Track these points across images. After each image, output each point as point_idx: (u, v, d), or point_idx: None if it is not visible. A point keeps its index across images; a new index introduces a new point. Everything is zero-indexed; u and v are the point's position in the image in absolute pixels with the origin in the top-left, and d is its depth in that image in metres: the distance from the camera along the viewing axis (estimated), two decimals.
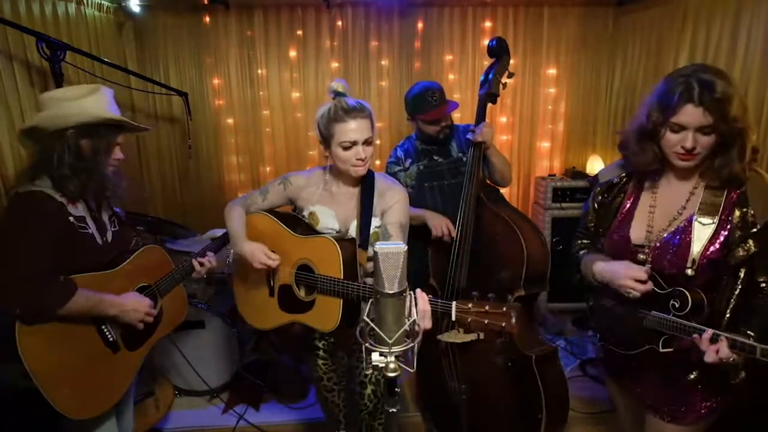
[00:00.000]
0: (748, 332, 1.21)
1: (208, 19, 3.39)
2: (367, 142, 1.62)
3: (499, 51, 2.20)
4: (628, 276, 1.34)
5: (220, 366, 2.76)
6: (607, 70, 3.63)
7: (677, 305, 1.28)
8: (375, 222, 1.70)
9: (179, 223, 2.98)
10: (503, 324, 1.25)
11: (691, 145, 1.22)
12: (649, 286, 1.33)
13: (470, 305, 1.29)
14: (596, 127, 3.75)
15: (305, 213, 1.79)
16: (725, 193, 1.27)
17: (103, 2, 3.02)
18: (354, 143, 1.60)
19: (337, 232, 1.74)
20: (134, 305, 1.62)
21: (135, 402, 2.02)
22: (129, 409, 1.86)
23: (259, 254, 1.69)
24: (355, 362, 1.90)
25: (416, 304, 1.20)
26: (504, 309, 1.26)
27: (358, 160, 1.61)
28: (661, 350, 1.34)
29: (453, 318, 1.30)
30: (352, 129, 1.58)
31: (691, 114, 1.20)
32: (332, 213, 1.75)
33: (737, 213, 1.25)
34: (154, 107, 3.49)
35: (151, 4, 3.28)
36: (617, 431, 1.81)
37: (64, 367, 1.50)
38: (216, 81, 3.53)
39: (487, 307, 1.27)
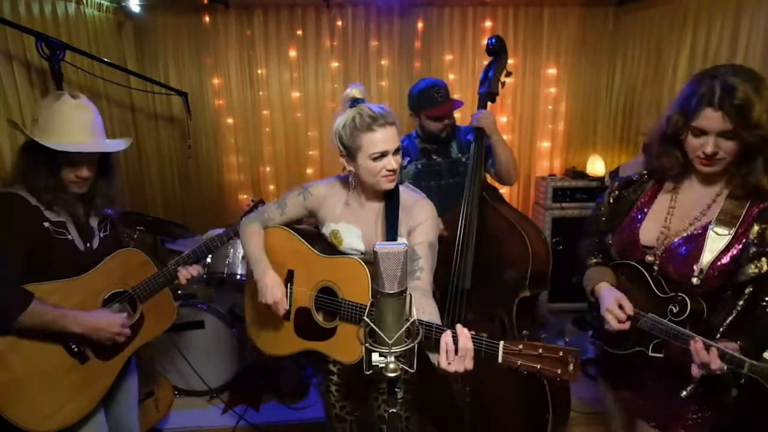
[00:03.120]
0: (739, 343, 1.17)
1: (207, 18, 3.39)
2: (397, 152, 1.47)
3: (498, 49, 2.20)
4: (611, 311, 1.34)
5: (220, 366, 2.75)
6: (607, 70, 3.63)
7: (675, 310, 1.25)
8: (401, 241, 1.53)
9: (179, 223, 2.97)
10: (558, 371, 1.09)
11: (712, 151, 1.18)
12: (626, 326, 1.33)
13: (521, 346, 1.13)
14: (596, 126, 3.75)
15: (326, 231, 1.63)
16: (747, 205, 1.22)
17: (102, 2, 3.02)
18: (384, 153, 1.44)
19: (362, 253, 1.58)
20: (105, 324, 1.52)
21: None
22: (126, 410, 1.82)
23: (275, 293, 1.56)
24: (372, 393, 1.74)
25: (456, 342, 1.14)
26: (561, 354, 1.09)
27: (388, 171, 1.46)
28: (650, 354, 1.32)
29: (500, 360, 1.14)
30: (382, 139, 1.43)
31: (710, 118, 1.16)
32: (357, 232, 1.58)
33: (756, 228, 1.20)
34: (154, 107, 3.48)
35: (151, 4, 3.28)
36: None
37: (20, 380, 1.44)
38: (216, 81, 3.52)
39: (540, 350, 1.10)
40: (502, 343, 1.15)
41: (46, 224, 1.48)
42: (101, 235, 1.66)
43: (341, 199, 1.62)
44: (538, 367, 1.11)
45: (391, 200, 1.55)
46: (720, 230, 1.22)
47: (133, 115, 3.41)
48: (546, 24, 3.53)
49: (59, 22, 2.51)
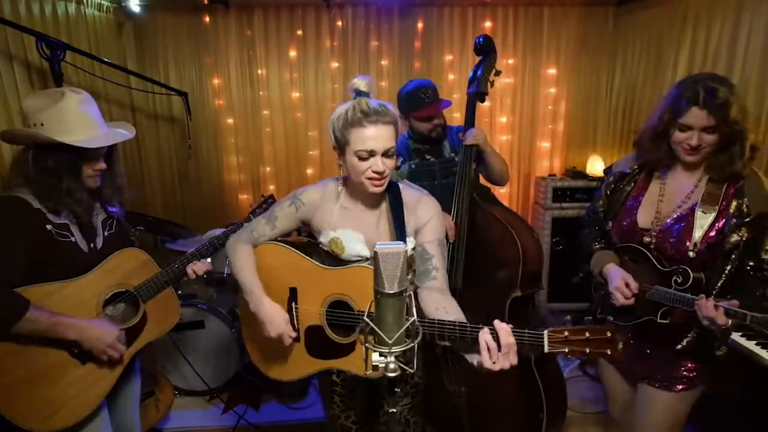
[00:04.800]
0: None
1: (208, 19, 3.40)
2: (388, 154, 1.36)
3: (486, 48, 2.21)
4: (618, 289, 1.54)
5: (220, 366, 2.76)
6: (607, 70, 3.63)
7: (679, 281, 1.45)
8: (409, 242, 1.47)
9: (179, 223, 2.97)
10: (608, 351, 1.10)
11: (696, 143, 1.41)
12: (631, 302, 1.53)
13: (566, 333, 1.11)
14: (596, 126, 3.75)
15: (324, 239, 1.50)
16: (725, 186, 1.45)
17: (103, 2, 3.02)
18: (371, 153, 1.34)
19: (367, 259, 1.47)
20: (99, 335, 1.50)
21: None
22: (129, 411, 1.82)
23: (277, 325, 1.44)
24: (378, 401, 1.66)
25: (497, 338, 1.11)
26: (608, 334, 1.10)
27: (374, 173, 1.35)
28: (658, 321, 1.50)
29: (545, 351, 1.12)
30: (371, 136, 1.32)
31: (696, 116, 1.38)
32: (358, 236, 1.46)
33: (734, 204, 1.42)
34: (154, 107, 3.49)
35: (151, 4, 3.28)
36: (613, 427, 1.90)
37: (20, 380, 1.44)
38: (216, 81, 3.53)
39: (587, 334, 1.11)
40: (546, 332, 1.12)
41: (49, 227, 1.47)
42: (105, 234, 1.65)
43: (337, 203, 1.50)
44: (587, 350, 1.11)
45: (394, 200, 1.47)
46: (705, 209, 1.45)
47: (133, 115, 3.41)
48: (546, 24, 3.53)
49: (59, 22, 2.51)
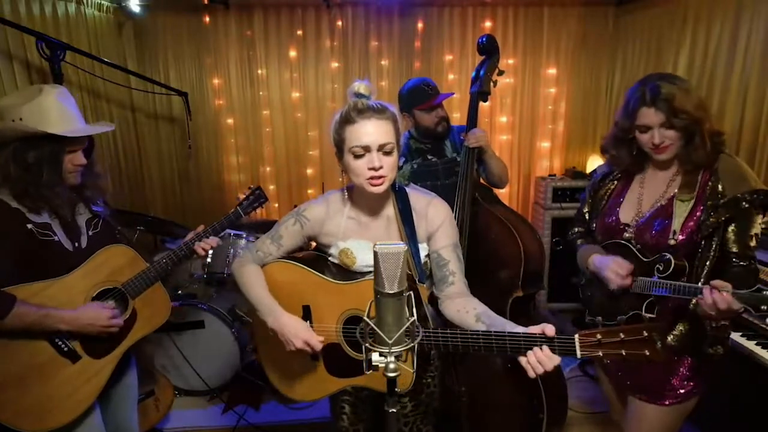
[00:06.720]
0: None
1: (208, 19, 3.40)
2: (385, 150, 1.30)
3: (489, 48, 2.21)
4: (612, 269, 1.51)
5: (220, 366, 2.76)
6: (607, 70, 3.64)
7: (661, 269, 1.44)
8: (422, 249, 1.44)
9: (179, 223, 2.97)
10: (647, 352, 1.03)
11: (659, 141, 1.43)
12: (628, 281, 1.49)
13: (599, 336, 1.05)
14: (596, 126, 3.76)
15: (334, 251, 1.46)
16: (700, 173, 1.47)
17: (103, 2, 3.03)
18: (366, 149, 1.29)
19: None
20: (90, 319, 1.49)
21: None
22: (125, 408, 1.80)
23: (304, 333, 1.36)
24: (386, 409, 1.65)
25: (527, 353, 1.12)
26: (645, 334, 1.03)
27: (370, 169, 1.29)
28: (643, 314, 1.48)
29: (578, 356, 1.08)
30: (364, 132, 1.28)
31: (646, 115, 1.42)
32: (369, 246, 1.42)
33: (709, 186, 1.44)
34: (154, 107, 3.49)
35: (151, 4, 3.28)
36: (613, 427, 1.87)
37: (9, 382, 1.43)
38: (216, 81, 3.53)
39: (622, 335, 1.04)
40: (577, 336, 1.08)
41: (30, 226, 1.46)
42: (90, 233, 1.62)
43: (343, 214, 1.46)
44: (623, 353, 1.05)
45: (403, 206, 1.43)
46: (683, 197, 1.46)
47: (133, 115, 3.41)
48: (546, 24, 3.54)
49: (59, 22, 2.52)
